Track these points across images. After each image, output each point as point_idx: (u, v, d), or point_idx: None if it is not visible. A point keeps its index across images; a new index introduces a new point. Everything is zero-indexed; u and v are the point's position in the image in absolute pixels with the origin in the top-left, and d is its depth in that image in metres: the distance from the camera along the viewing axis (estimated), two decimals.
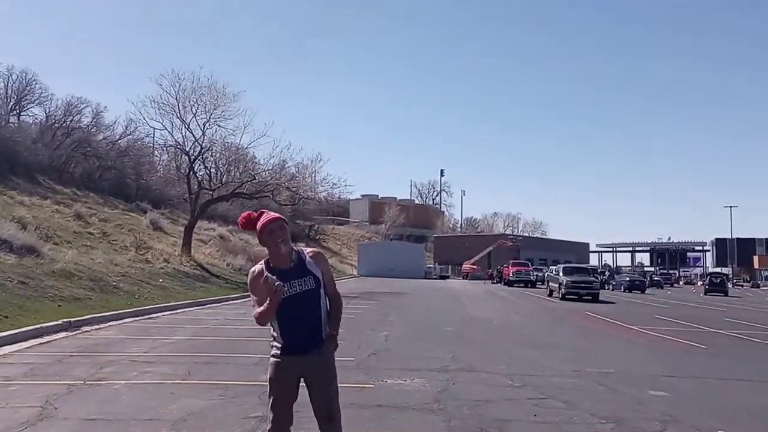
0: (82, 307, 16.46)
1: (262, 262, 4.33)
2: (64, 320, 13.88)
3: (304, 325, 4.24)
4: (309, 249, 4.47)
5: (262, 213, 4.34)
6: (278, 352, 4.30)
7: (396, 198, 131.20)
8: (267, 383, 4.37)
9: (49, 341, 12.13)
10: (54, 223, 28.41)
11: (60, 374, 8.89)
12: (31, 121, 48.59)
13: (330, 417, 4.33)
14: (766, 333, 19.14)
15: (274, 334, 4.34)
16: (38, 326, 12.86)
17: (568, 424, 7.12)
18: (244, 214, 4.40)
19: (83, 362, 9.91)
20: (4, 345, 11.16)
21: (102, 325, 14.83)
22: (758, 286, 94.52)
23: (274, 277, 4.02)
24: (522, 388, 9.10)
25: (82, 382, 8.40)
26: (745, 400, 9.03)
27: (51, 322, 13.46)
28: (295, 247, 4.35)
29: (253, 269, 4.33)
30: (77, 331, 13.56)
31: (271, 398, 4.32)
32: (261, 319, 4.17)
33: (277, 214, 4.32)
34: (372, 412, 7.20)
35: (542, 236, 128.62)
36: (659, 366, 11.88)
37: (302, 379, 4.33)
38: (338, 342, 4.33)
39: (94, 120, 50.14)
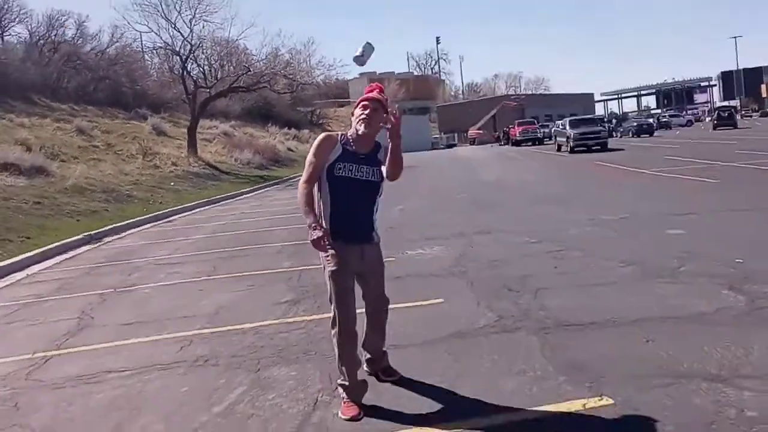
0: (100, 219, 16.68)
1: (340, 134, 4.10)
2: (85, 234, 14.10)
3: (357, 212, 4.06)
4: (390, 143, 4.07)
5: (383, 99, 4.06)
6: (329, 239, 3.89)
7: (394, 72, 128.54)
8: (328, 282, 4.05)
9: (74, 256, 12.37)
10: (57, 140, 28.28)
11: (90, 285, 9.11)
12: (15, 41, 47.48)
13: (382, 312, 4.30)
14: None
15: (321, 222, 3.98)
16: (61, 243, 13.07)
17: (588, 271, 7.27)
18: (374, 86, 4.13)
19: (111, 271, 10.15)
20: (32, 264, 11.38)
21: (122, 234, 15.08)
22: (767, 115, 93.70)
23: (326, 245, 3.84)
24: (539, 243, 9.23)
25: (113, 290, 8.62)
26: (760, 230, 9.15)
27: (73, 237, 13.69)
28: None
29: (328, 134, 4.10)
30: (99, 243, 13.80)
31: (335, 295, 4.02)
32: (302, 205, 3.94)
33: (379, 96, 4.04)
34: (395, 283, 7.34)
35: (545, 92, 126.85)
36: (674, 206, 11.98)
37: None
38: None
39: (79, 31, 48.95)
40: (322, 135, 4.12)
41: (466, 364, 4.65)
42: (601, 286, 6.52)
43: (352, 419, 3.88)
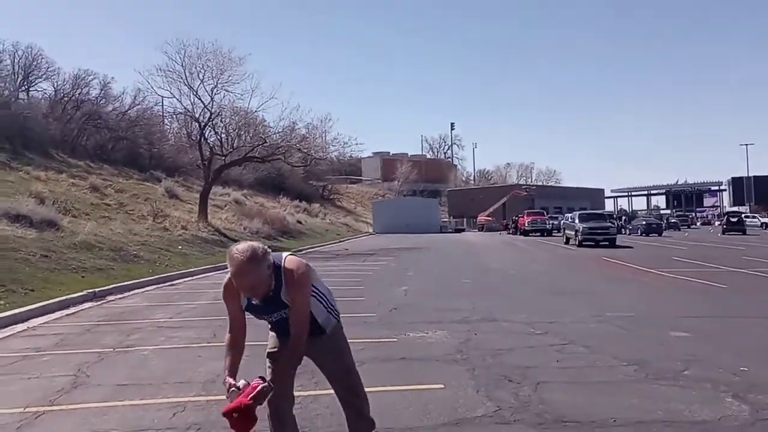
0: (105, 277, 16.68)
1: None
2: (89, 291, 14.09)
3: (288, 333, 3.98)
4: (291, 269, 3.82)
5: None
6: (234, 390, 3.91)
7: (407, 154, 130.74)
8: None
9: (76, 312, 12.34)
10: (71, 196, 28.63)
11: (89, 343, 9.07)
12: (40, 96, 48.70)
13: (351, 392, 4.07)
14: None
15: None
16: (64, 298, 13.06)
17: (591, 368, 7.20)
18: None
19: (111, 330, 10.10)
20: (33, 317, 11.35)
21: (126, 294, 15.05)
22: None
23: (234, 388, 3.85)
24: (543, 335, 9.18)
25: (112, 349, 8.57)
26: (766, 339, 9.06)
27: (76, 293, 13.67)
28: (276, 262, 3.80)
29: (226, 284, 3.91)
30: (102, 301, 13.77)
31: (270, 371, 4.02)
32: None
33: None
34: (396, 365, 7.32)
35: (556, 184, 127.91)
36: (680, 307, 11.92)
37: (309, 359, 4.08)
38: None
39: (103, 92, 50.20)
40: (223, 284, 3.95)
41: None
42: (603, 384, 6.44)
43: None
